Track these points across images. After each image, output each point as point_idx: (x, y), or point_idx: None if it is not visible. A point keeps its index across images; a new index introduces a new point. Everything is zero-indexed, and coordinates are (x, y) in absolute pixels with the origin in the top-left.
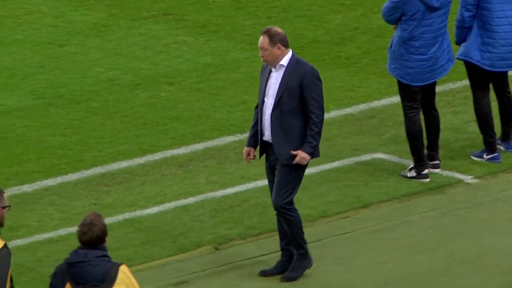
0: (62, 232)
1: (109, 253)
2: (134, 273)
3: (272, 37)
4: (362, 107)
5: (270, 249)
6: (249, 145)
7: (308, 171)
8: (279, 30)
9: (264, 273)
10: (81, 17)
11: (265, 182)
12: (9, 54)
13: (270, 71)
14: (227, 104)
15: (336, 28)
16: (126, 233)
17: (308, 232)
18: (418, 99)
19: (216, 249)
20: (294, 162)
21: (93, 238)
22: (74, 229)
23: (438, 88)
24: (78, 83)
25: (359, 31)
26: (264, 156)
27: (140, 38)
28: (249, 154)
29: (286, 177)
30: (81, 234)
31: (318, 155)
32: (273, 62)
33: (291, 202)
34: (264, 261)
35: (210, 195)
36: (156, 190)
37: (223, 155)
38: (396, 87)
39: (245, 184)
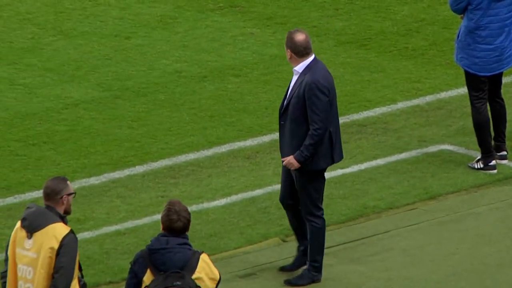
0: (129, 224)
1: None
2: None
3: (287, 41)
4: (429, 98)
5: (337, 240)
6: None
7: (375, 162)
8: (297, 37)
9: (284, 269)
10: (148, 9)
11: (332, 174)
12: (76, 46)
13: (294, 74)
14: None
15: (403, 19)
16: (193, 225)
17: (376, 223)
18: (485, 89)
19: (284, 241)
20: (283, 163)
21: (180, 226)
22: (142, 221)
23: (503, 80)
24: (144, 76)
25: (426, 22)
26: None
27: (207, 30)
28: None
29: (304, 187)
30: (169, 222)
31: (316, 167)
32: (291, 64)
33: (318, 208)
34: (331, 252)
35: (277, 187)
36: (223, 182)
37: None
38: (463, 78)
39: None
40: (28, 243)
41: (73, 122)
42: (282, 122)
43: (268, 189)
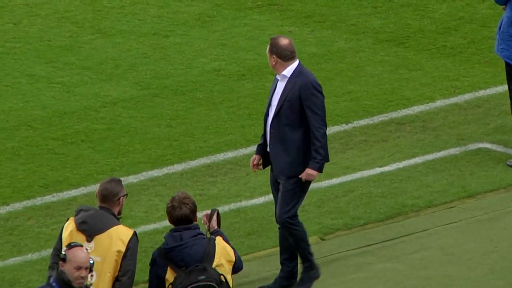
0: (167, 223)
1: None
2: None
3: (271, 47)
4: (467, 96)
5: (376, 239)
6: (257, 153)
7: (414, 161)
8: (282, 42)
9: None
10: (186, 7)
11: (370, 172)
12: (114, 45)
13: (278, 81)
14: (333, 94)
15: (441, 17)
16: (231, 224)
17: (414, 222)
18: None
19: (322, 239)
20: (303, 179)
21: (186, 213)
22: None
23: None
24: (183, 74)
25: (464, 20)
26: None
27: (245, 29)
28: (254, 162)
29: (290, 191)
30: (172, 209)
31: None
32: (275, 71)
33: (295, 216)
34: (370, 251)
35: (315, 185)
36: (261, 180)
37: (329, 145)
38: (501, 76)
39: (350, 174)
40: (89, 246)
41: (111, 120)
42: (272, 130)
43: None
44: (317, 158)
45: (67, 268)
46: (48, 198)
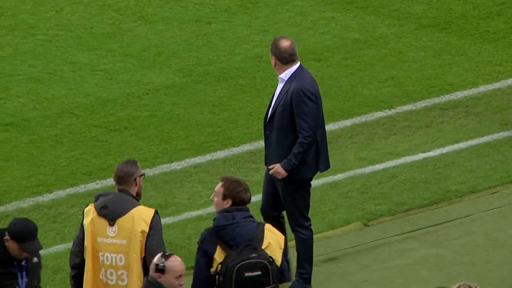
0: (211, 209)
1: None
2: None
3: (271, 47)
4: (510, 81)
5: (420, 225)
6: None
7: (457, 146)
8: (282, 43)
9: None
10: None
11: (414, 157)
12: (157, 32)
13: (278, 83)
14: (376, 80)
15: (484, 2)
16: None
17: (458, 207)
18: None
19: (365, 225)
20: (270, 172)
21: (250, 198)
22: None
23: None
24: (225, 61)
25: (507, 5)
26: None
27: (288, 15)
28: None
29: (290, 197)
30: (240, 194)
31: (307, 175)
32: (276, 72)
33: (306, 219)
34: (413, 236)
35: (359, 171)
36: None
37: (372, 131)
38: None
39: (394, 160)
40: (112, 230)
41: (154, 107)
42: (267, 132)
43: (350, 173)
44: (292, 160)
45: (166, 279)
46: (92, 186)
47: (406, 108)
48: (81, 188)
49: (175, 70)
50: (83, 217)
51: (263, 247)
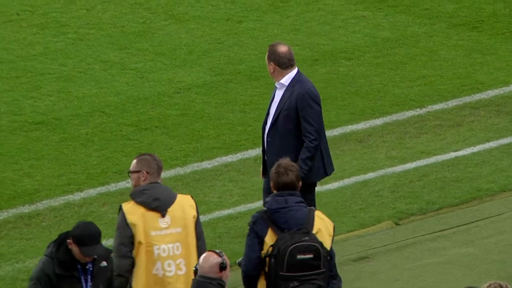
0: (241, 208)
1: None
2: None
3: (269, 54)
4: None
5: (451, 224)
6: (263, 159)
7: (488, 145)
8: (280, 49)
9: None
10: None
11: (445, 156)
12: (188, 30)
13: (276, 89)
14: (406, 79)
15: None
16: None
17: (489, 206)
18: None
19: (397, 224)
20: None
21: (292, 180)
22: (254, 205)
23: None
24: (256, 59)
25: None
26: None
27: (319, 14)
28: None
29: None
30: (277, 175)
31: (315, 179)
32: (273, 79)
33: None
34: (445, 235)
35: (390, 170)
36: (335, 165)
37: (403, 129)
38: None
39: (425, 158)
40: (164, 221)
41: (185, 106)
42: (269, 139)
43: (381, 172)
44: (302, 167)
45: (226, 275)
46: (122, 184)
47: (437, 107)
48: (112, 187)
49: (206, 69)
50: (124, 216)
51: (313, 232)
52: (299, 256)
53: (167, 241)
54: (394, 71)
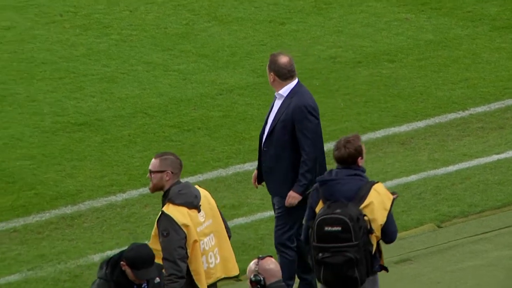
0: None
1: None
2: None
3: (270, 63)
4: None
5: (493, 226)
6: (257, 168)
7: None
8: (281, 59)
9: None
10: None
11: (487, 159)
12: (231, 32)
13: (276, 99)
14: (449, 81)
15: None
16: None
17: None
18: None
19: (439, 226)
20: (286, 204)
21: (344, 155)
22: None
23: None
24: (299, 61)
25: None
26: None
27: (361, 16)
28: (254, 178)
29: (284, 212)
30: (334, 149)
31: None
32: (274, 89)
33: (291, 239)
34: (487, 238)
35: (432, 172)
36: (378, 167)
37: (445, 132)
38: None
39: (467, 161)
40: (201, 215)
41: (227, 108)
42: (265, 149)
43: (423, 174)
44: (301, 181)
45: None
46: None
47: (480, 109)
48: None
49: (249, 70)
50: (172, 220)
51: (363, 205)
52: (326, 228)
53: (206, 234)
54: (436, 73)
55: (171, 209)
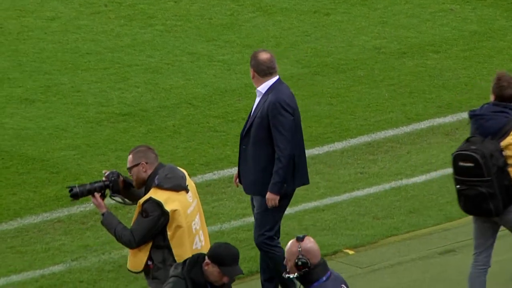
0: (328, 201)
1: (374, 222)
2: (400, 242)
3: (251, 59)
4: None
5: None
6: (238, 167)
7: None
8: (261, 56)
9: None
10: None
11: None
12: (275, 23)
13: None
14: (494, 72)
15: None
16: (392, 202)
17: None
18: None
19: None
20: (268, 206)
21: (507, 94)
22: (340, 198)
23: None
24: (344, 52)
25: None
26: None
27: (406, 7)
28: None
29: (263, 211)
30: (499, 90)
31: (291, 190)
32: (254, 84)
33: (272, 238)
34: None
35: None
36: (422, 158)
37: None
38: None
39: None
40: (190, 196)
41: None
42: (243, 147)
43: None
44: (275, 179)
45: None
46: (209, 176)
47: None
48: (199, 178)
49: (293, 61)
50: (161, 206)
51: (504, 143)
52: (460, 163)
53: (195, 215)
54: (481, 64)
55: (159, 195)
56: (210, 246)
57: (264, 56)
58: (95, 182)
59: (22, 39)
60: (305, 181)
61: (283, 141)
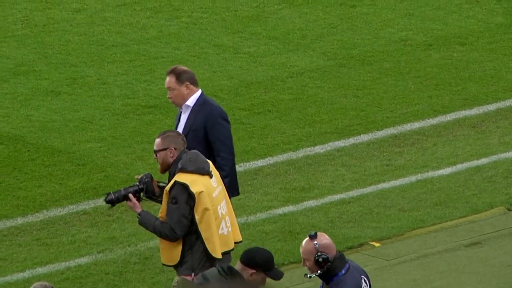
0: (354, 193)
1: (400, 214)
2: (426, 234)
3: (179, 76)
4: None
5: None
6: None
7: None
8: (186, 68)
9: None
10: None
11: None
12: (301, 15)
13: (181, 114)
14: None
15: None
16: (418, 194)
17: None
18: None
19: (509, 210)
20: None
21: None
22: (366, 190)
23: None
24: (370, 44)
25: None
26: None
27: None
28: None
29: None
30: None
31: (237, 193)
32: (180, 103)
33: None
34: None
35: (503, 155)
36: (448, 151)
37: (508, 115)
38: None
39: None
40: (214, 181)
41: (298, 90)
42: None
43: (494, 157)
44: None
45: None
46: None
47: None
48: None
49: (319, 53)
50: (187, 188)
51: None
52: None
53: (221, 199)
54: (507, 56)
55: (183, 177)
56: (244, 255)
57: (186, 68)
58: (130, 187)
59: (48, 31)
60: (236, 192)
61: (225, 149)
